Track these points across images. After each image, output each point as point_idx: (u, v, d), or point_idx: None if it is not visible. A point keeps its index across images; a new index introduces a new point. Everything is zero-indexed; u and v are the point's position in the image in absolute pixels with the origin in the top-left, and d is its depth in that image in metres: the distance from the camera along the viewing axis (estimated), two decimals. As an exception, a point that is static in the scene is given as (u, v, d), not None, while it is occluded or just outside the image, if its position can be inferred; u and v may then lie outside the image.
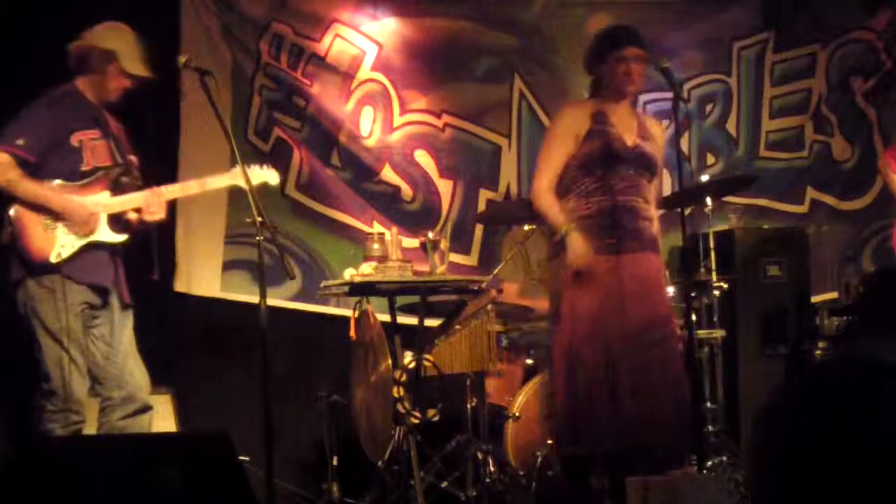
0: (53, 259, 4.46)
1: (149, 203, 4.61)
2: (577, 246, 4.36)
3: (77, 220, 4.49)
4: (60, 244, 4.48)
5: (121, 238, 4.61)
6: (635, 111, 4.68)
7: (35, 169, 4.48)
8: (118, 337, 4.67)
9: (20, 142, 4.46)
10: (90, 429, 4.70)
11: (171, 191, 4.72)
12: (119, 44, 4.61)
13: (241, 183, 4.47)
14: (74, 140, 4.57)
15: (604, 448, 4.38)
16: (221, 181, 4.71)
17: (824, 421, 2.00)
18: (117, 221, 4.61)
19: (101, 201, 4.57)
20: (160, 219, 4.66)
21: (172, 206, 5.71)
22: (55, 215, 4.48)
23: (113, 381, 4.65)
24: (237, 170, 4.52)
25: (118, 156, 4.68)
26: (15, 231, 4.48)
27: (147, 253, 4.84)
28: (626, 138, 4.52)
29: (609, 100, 4.56)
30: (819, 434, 1.98)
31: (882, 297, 2.25)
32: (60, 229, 4.49)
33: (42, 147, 4.49)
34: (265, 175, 4.81)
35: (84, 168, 4.57)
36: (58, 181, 4.52)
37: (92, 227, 4.53)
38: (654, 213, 4.63)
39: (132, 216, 4.64)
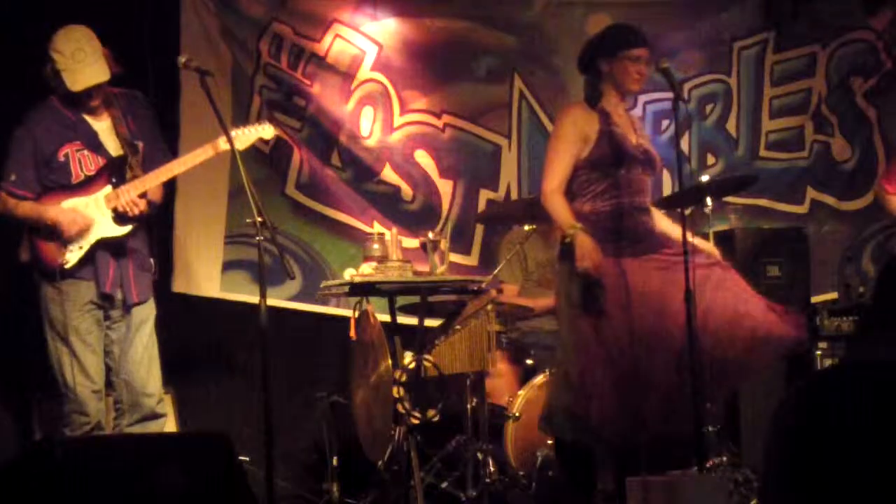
0: (66, 266, 4.59)
1: (120, 204, 4.63)
2: (585, 246, 4.31)
3: (70, 225, 4.59)
4: (69, 250, 4.61)
5: (124, 230, 4.66)
6: (627, 111, 4.68)
7: (37, 195, 4.65)
8: (131, 341, 4.71)
9: (13, 178, 4.66)
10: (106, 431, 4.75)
11: (138, 185, 4.68)
12: (68, 60, 4.58)
13: (220, 148, 4.55)
14: (60, 155, 4.68)
15: (608, 440, 4.38)
16: (202, 154, 4.71)
17: (837, 425, 1.99)
18: (121, 214, 4.66)
19: (99, 196, 4.64)
20: (141, 212, 4.66)
21: (171, 205, 5.72)
22: (53, 226, 4.59)
23: (123, 387, 4.72)
24: (221, 139, 4.60)
25: (114, 149, 4.71)
26: (32, 247, 4.64)
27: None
28: (631, 137, 4.52)
29: (612, 99, 4.55)
30: (832, 438, 1.98)
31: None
32: (64, 237, 4.59)
33: (33, 175, 4.66)
34: (255, 132, 4.84)
35: (74, 181, 4.68)
36: (56, 194, 4.65)
37: (85, 228, 4.60)
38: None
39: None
